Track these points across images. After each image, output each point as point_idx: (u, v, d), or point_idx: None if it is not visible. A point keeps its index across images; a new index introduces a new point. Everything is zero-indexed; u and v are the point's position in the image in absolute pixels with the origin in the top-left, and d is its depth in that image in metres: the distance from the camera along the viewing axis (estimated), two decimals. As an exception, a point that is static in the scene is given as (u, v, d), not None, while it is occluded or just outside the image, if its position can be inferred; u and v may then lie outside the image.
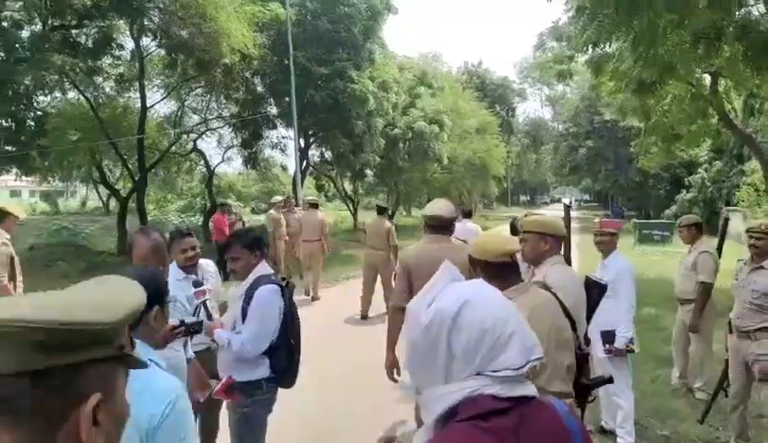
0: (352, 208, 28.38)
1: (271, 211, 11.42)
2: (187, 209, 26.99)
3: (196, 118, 22.16)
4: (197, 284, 3.19)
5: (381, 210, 9.51)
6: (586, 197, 74.78)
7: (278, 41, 16.52)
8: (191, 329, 2.65)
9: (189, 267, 3.48)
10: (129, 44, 16.06)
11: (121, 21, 14.69)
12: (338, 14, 17.96)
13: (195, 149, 22.62)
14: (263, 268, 3.24)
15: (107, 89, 18.21)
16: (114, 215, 38.86)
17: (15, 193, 51.65)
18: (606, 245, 4.47)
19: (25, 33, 13.12)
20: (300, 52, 16.99)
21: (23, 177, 15.80)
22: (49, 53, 11.47)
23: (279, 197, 11.88)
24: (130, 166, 18.86)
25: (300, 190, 18.24)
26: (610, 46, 10.41)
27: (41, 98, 14.14)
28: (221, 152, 23.68)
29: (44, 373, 0.74)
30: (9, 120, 12.90)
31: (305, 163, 22.05)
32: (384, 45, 21.27)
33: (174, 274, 3.40)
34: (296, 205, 15.00)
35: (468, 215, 8.51)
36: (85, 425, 0.77)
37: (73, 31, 13.38)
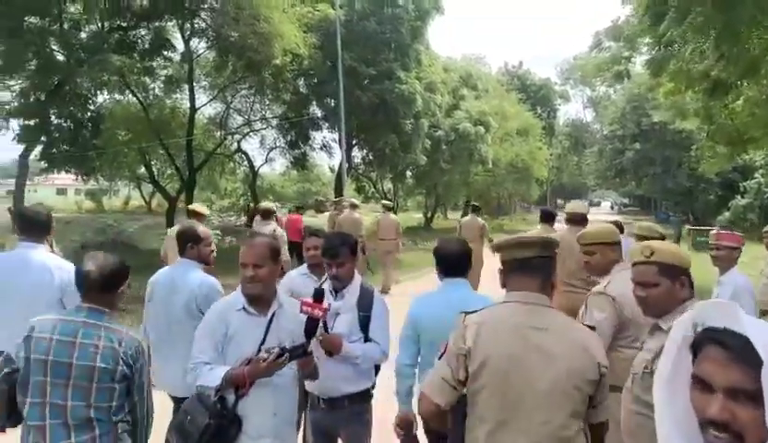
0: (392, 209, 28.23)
1: (354, 213, 10.61)
2: (229, 209, 27.33)
3: (239, 119, 22.31)
4: (317, 294, 2.52)
5: (476, 209, 10.87)
6: (625, 201, 73.04)
7: (326, 42, 16.44)
8: (295, 355, 2.35)
9: (313, 266, 3.52)
10: (180, 46, 16.23)
11: (170, 23, 14.81)
12: (385, 15, 17.80)
13: (239, 149, 22.81)
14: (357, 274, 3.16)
15: (155, 91, 18.47)
16: (155, 214, 39.75)
17: (61, 191, 53.25)
18: (724, 260, 3.97)
19: (82, 34, 13.37)
20: (348, 52, 16.87)
21: (81, 177, 16.00)
22: (108, 53, 11.59)
23: (353, 200, 11.42)
24: (178, 166, 19.03)
25: (346, 191, 18.08)
26: (684, 45, 9.97)
27: (95, 99, 14.24)
28: (263, 153, 23.90)
29: (546, 258, 2.05)
30: (68, 121, 13.11)
31: (346, 166, 21.98)
32: (429, 46, 21.06)
33: (302, 268, 3.64)
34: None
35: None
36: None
37: (129, 33, 13.53)
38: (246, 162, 23.86)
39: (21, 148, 12.37)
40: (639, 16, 13.06)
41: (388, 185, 29.49)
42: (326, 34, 16.42)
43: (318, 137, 21.83)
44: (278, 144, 22.86)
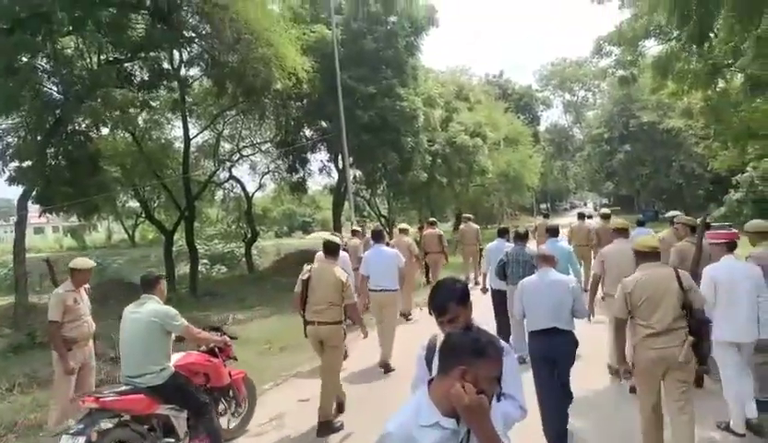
0: (387, 227, 27.94)
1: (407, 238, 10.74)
2: (225, 237, 26.67)
3: (228, 147, 21.74)
4: None
5: (546, 215, 13.82)
6: (605, 201, 74.08)
7: (323, 64, 16.05)
8: None
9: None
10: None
11: (163, 53, 14.27)
12: (381, 32, 17.55)
13: (231, 176, 22.23)
14: None
15: (148, 123, 17.86)
16: (140, 247, 38.66)
17: (38, 230, 51.26)
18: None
19: (76, 71, 12.76)
20: (345, 72, 16.50)
21: (80, 219, 15.27)
22: (109, 88, 11.04)
23: (406, 225, 11.56)
24: (175, 198, 18.38)
25: (352, 212, 17.71)
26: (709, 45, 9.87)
27: (94, 136, 13.61)
28: (255, 179, 23.35)
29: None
30: (65, 160, 12.48)
31: (343, 187, 21.58)
32: (421, 60, 20.89)
33: None
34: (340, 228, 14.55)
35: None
36: None
37: (124, 65, 12.96)
38: (236, 189, 23.30)
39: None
40: (645, 17, 13.03)
41: (383, 202, 29.20)
42: (323, 55, 16.06)
43: (315, 159, 21.46)
44: (270, 169, 22.43)
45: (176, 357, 4.72)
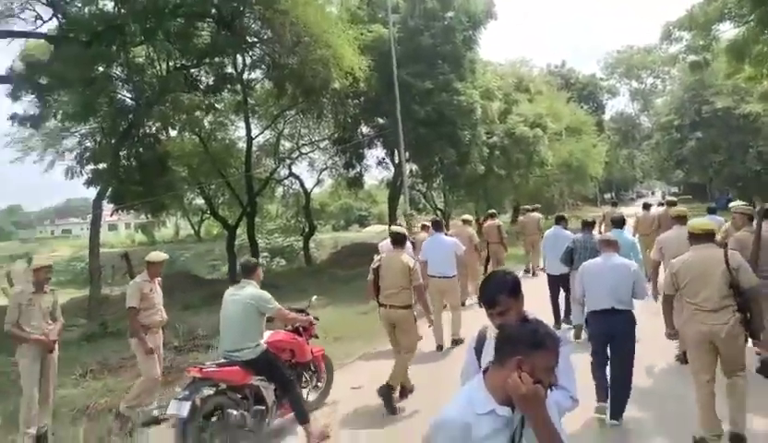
0: (444, 219, 27.77)
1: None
2: (285, 231, 27.47)
3: (288, 145, 22.25)
4: None
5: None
6: (674, 190, 70.63)
7: (380, 62, 16.07)
8: None
9: None
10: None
11: (227, 58, 14.72)
12: (438, 28, 17.39)
13: (291, 173, 22.78)
14: None
15: (213, 125, 18.55)
16: (205, 241, 40.27)
17: (112, 227, 54.39)
18: None
19: (146, 78, 13.41)
20: (402, 69, 16.45)
21: (147, 216, 16.11)
22: (177, 93, 11.55)
23: (468, 216, 12.18)
24: (237, 195, 19.06)
25: (407, 206, 17.74)
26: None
27: (163, 138, 14.29)
28: (313, 175, 23.83)
29: None
30: (137, 161, 13.16)
31: (399, 180, 21.63)
32: (479, 54, 20.56)
33: None
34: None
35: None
36: None
37: (191, 71, 13.49)
38: (295, 185, 23.86)
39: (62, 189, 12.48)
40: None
41: (439, 196, 29.07)
42: (380, 53, 16.07)
43: (372, 155, 21.66)
44: (328, 165, 22.82)
45: (266, 335, 5.20)
